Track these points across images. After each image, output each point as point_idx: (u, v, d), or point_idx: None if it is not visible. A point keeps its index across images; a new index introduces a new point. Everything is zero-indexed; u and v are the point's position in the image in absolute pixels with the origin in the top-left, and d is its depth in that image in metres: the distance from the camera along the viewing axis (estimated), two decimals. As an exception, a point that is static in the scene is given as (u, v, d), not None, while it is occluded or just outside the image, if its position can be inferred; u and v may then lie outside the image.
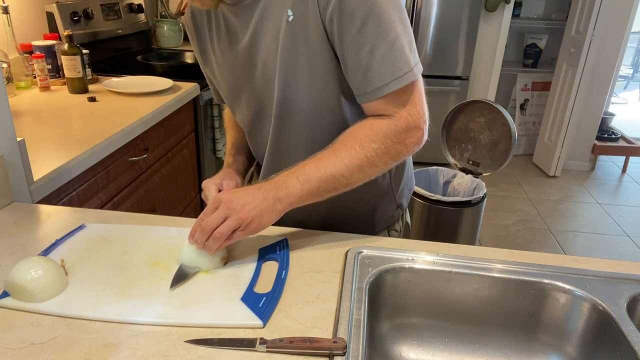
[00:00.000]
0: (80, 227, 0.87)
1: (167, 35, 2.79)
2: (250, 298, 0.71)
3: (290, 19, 0.79)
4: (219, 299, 0.71)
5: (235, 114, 1.01)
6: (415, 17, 3.34)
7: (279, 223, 0.83)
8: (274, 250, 0.83)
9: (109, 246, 0.83)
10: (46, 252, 0.80)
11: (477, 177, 2.08)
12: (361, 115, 0.85)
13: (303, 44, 0.81)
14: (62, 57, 1.77)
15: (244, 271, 0.78)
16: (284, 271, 0.77)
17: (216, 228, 0.75)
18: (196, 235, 0.77)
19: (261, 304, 0.69)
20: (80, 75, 1.78)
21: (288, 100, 0.87)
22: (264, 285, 0.75)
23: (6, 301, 0.69)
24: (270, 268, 0.80)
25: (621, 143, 3.79)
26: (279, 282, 0.75)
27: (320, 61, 0.82)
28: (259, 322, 0.66)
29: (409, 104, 0.81)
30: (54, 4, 2.01)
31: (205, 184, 0.92)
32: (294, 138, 0.91)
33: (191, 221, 0.90)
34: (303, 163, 0.81)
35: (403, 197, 1.07)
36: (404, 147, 0.81)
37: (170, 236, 0.86)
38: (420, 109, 0.82)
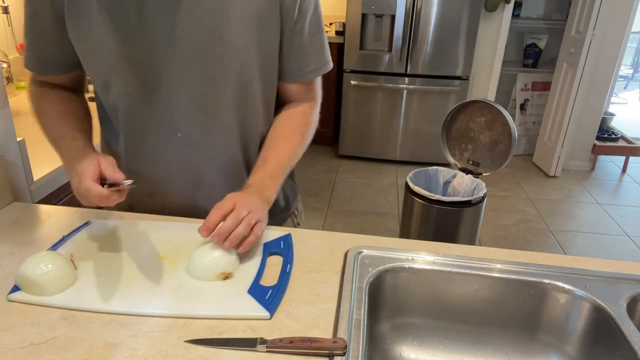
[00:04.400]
0: (86, 224, 0.88)
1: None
2: (256, 291, 0.72)
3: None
4: (226, 292, 0.72)
5: (126, 97, 0.85)
6: (415, 17, 3.34)
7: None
8: (278, 245, 0.84)
9: (116, 241, 0.83)
10: (54, 248, 0.80)
11: (477, 177, 2.07)
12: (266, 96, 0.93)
13: (259, 21, 0.83)
14: (62, 57, 1.77)
15: (249, 265, 0.78)
16: (288, 265, 0.79)
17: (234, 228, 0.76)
18: (229, 239, 0.75)
19: (267, 296, 0.71)
20: (80, 75, 1.78)
21: (245, 80, 0.87)
22: (270, 279, 0.75)
23: (17, 295, 0.70)
24: (275, 262, 0.80)
25: (621, 143, 3.79)
26: (285, 276, 0.76)
27: (268, 42, 0.87)
28: (266, 314, 0.68)
29: (319, 89, 0.99)
30: (54, 4, 2.01)
31: (86, 185, 0.71)
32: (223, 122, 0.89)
33: (191, 220, 0.90)
34: (267, 160, 0.89)
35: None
36: (316, 123, 0.99)
37: (175, 231, 0.86)
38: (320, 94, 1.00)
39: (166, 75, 0.83)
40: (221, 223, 0.75)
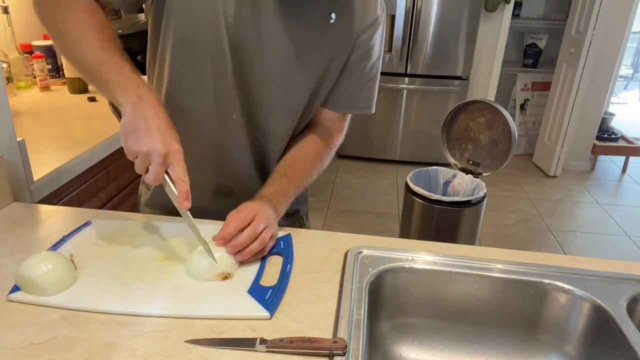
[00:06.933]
0: (87, 224, 0.88)
1: (167, 35, 2.79)
2: (256, 291, 0.72)
3: (332, 21, 0.84)
4: (226, 292, 0.72)
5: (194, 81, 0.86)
6: (415, 17, 3.34)
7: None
8: (278, 245, 0.84)
9: (116, 242, 0.83)
10: (54, 248, 0.80)
11: (477, 177, 2.07)
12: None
13: (335, 46, 0.87)
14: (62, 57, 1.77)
15: (249, 265, 0.79)
16: (288, 265, 0.79)
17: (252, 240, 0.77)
18: (242, 254, 0.77)
19: (267, 296, 0.71)
20: (81, 75, 1.78)
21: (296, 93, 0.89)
22: (270, 279, 0.76)
23: (17, 295, 0.70)
24: (275, 262, 0.80)
25: (621, 143, 3.79)
26: (284, 276, 0.76)
27: (332, 69, 0.89)
28: (266, 314, 0.68)
29: (348, 121, 1.03)
30: (54, 4, 2.01)
31: (158, 171, 0.71)
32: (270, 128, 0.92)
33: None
34: (286, 176, 0.90)
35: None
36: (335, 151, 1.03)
37: (176, 232, 0.86)
38: None
39: (244, 62, 0.84)
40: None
